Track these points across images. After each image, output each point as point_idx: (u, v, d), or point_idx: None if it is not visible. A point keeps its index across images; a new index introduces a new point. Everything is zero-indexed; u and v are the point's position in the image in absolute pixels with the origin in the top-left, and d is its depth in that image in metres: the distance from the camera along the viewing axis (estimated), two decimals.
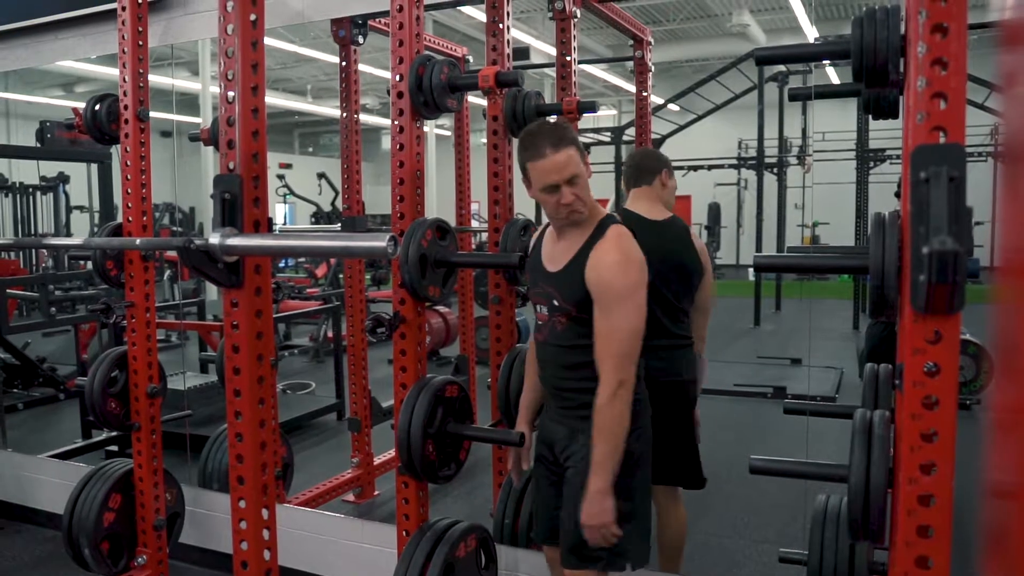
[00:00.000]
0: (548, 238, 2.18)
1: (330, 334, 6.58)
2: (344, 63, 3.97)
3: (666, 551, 2.85)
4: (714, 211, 12.05)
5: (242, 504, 2.17)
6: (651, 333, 2.10)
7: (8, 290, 5.91)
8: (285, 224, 13.15)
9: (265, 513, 2.21)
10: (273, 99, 12.88)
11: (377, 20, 3.89)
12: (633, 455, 2.04)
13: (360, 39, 3.94)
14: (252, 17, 2.08)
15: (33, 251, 9.02)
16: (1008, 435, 0.44)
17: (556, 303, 2.08)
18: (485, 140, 2.91)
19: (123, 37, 2.86)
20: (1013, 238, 0.44)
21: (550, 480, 2.24)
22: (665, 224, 2.79)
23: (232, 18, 2.05)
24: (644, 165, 2.91)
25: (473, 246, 5.89)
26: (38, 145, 6.47)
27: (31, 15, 3.61)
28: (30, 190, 8.98)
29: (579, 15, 3.08)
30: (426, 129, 2.41)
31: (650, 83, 4.07)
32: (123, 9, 2.85)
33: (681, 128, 9.86)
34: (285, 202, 11.62)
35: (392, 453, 4.08)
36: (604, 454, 1.95)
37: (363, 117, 4.17)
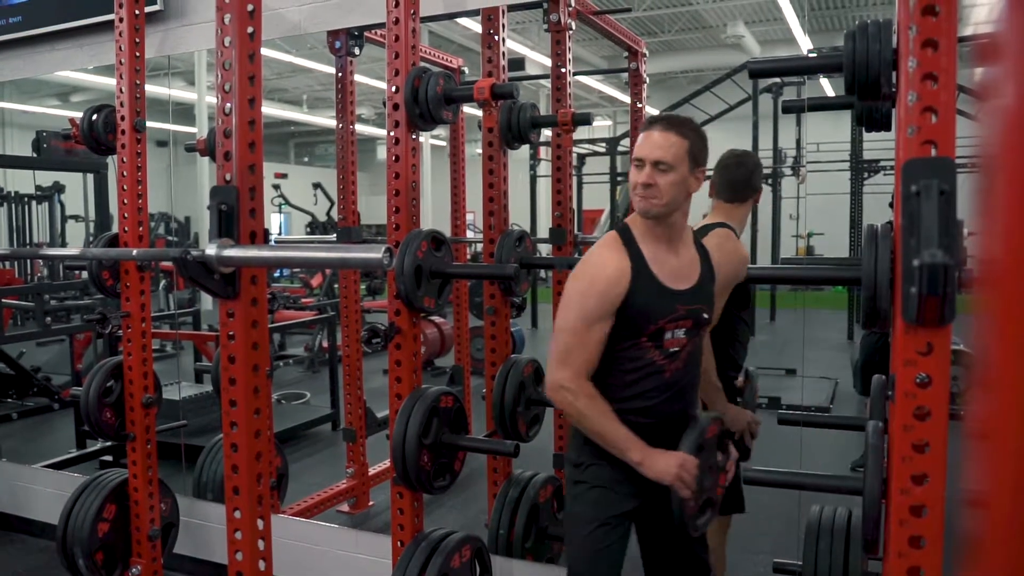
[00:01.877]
0: (653, 256, 1.94)
1: (325, 344, 6.58)
2: (340, 74, 3.98)
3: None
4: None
5: (237, 514, 2.17)
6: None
7: (3, 300, 5.90)
8: (280, 234, 13.16)
9: (260, 524, 2.20)
10: (269, 109, 12.91)
11: (373, 31, 3.91)
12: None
13: (356, 50, 3.96)
14: (249, 30, 2.09)
15: (28, 261, 9.01)
16: (984, 444, 0.45)
17: (706, 316, 2.01)
18: (480, 151, 2.93)
19: (120, 48, 2.87)
20: (987, 249, 0.45)
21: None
22: None
23: (229, 31, 2.07)
24: (754, 181, 2.69)
25: (468, 257, 5.90)
26: (34, 155, 6.47)
27: (29, 26, 3.62)
28: (26, 200, 8.97)
29: (574, 27, 3.10)
30: (421, 140, 2.42)
31: (645, 94, 4.09)
32: (121, 21, 2.86)
33: None
34: (280, 212, 11.63)
35: (387, 463, 4.07)
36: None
37: (359, 127, 4.18)
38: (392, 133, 2.31)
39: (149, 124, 2.93)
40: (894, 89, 1.38)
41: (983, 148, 0.47)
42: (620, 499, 1.94)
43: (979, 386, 0.46)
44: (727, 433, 1.99)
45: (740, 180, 2.64)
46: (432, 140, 14.19)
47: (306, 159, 20.26)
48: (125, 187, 2.90)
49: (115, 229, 3.01)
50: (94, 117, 2.98)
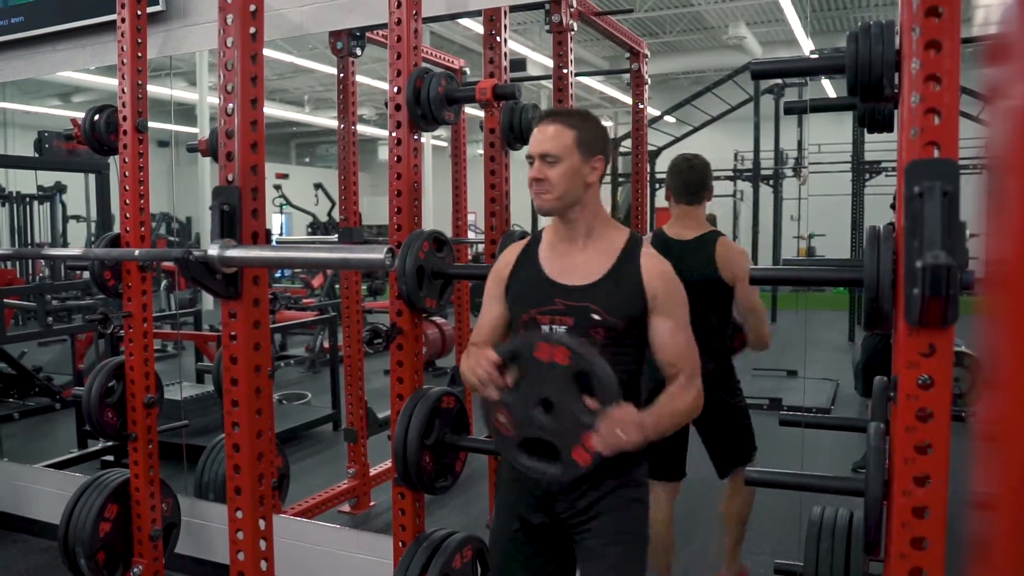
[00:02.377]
0: (549, 251, 1.91)
1: (326, 345, 6.58)
2: (342, 75, 3.99)
3: (731, 522, 3.12)
4: (710, 222, 12.05)
5: (239, 514, 2.17)
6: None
7: (5, 300, 5.90)
8: (281, 234, 13.16)
9: (262, 524, 2.21)
10: (270, 110, 12.88)
11: (375, 32, 3.91)
12: (643, 539, 1.90)
13: (358, 51, 3.96)
14: (252, 30, 2.10)
15: (30, 261, 9.02)
16: (992, 446, 0.45)
17: (597, 317, 1.80)
18: (482, 151, 2.93)
19: (123, 49, 2.87)
20: (996, 250, 0.45)
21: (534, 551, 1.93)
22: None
23: (232, 31, 2.07)
24: (706, 181, 2.95)
25: (469, 257, 5.90)
26: (36, 155, 6.47)
27: (30, 27, 3.62)
28: (27, 200, 8.98)
29: (576, 28, 3.10)
30: (423, 140, 2.42)
31: (646, 95, 4.09)
32: (123, 21, 2.86)
33: (677, 140, 9.90)
34: (281, 212, 11.64)
35: (388, 464, 4.08)
36: (655, 422, 1.73)
37: (360, 128, 4.19)
38: (394, 134, 2.31)
39: (150, 124, 2.93)
40: (896, 90, 1.37)
41: (991, 149, 0.47)
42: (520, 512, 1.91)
43: (987, 388, 0.46)
44: (607, 385, 1.67)
45: (695, 182, 2.92)
46: (433, 141, 14.20)
47: (307, 159, 20.27)
48: (127, 187, 2.90)
49: (117, 229, 3.01)
50: (96, 117, 2.99)
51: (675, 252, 2.59)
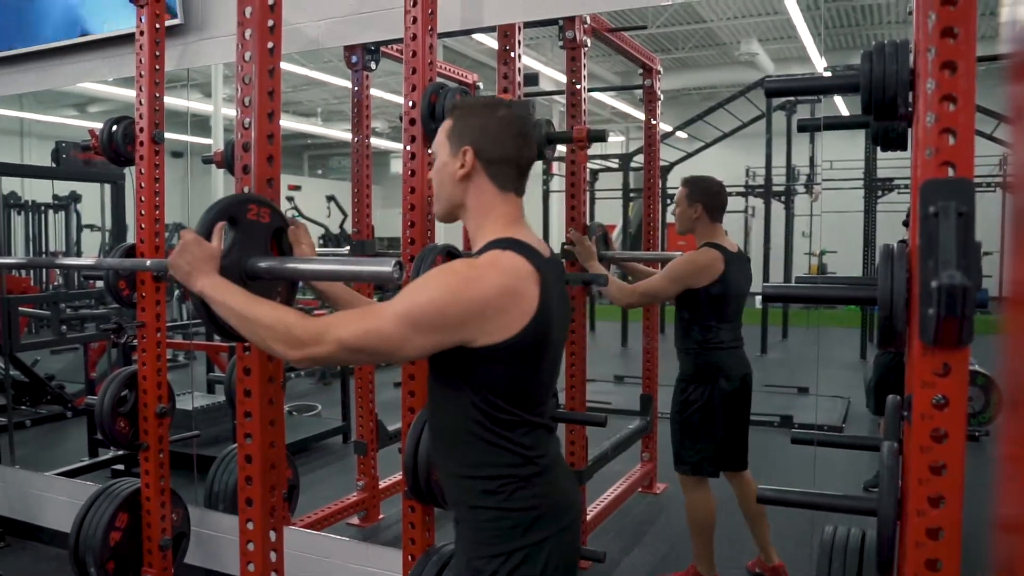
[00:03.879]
0: None
1: None
2: (356, 88, 4.01)
3: (751, 517, 3.33)
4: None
5: (250, 525, 2.18)
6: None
7: (19, 308, 5.93)
8: None
9: (273, 535, 2.21)
10: (284, 122, 12.96)
11: (390, 46, 3.94)
12: None
13: (372, 65, 3.99)
14: (269, 45, 2.12)
15: (44, 269, 9.08)
16: (1016, 468, 0.45)
17: None
18: None
19: (140, 61, 2.90)
20: (1018, 270, 0.45)
21: None
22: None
23: (250, 46, 2.09)
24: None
25: None
26: (53, 165, 6.53)
27: (51, 38, 3.67)
28: (42, 208, 9.05)
29: (589, 43, 3.12)
30: None
31: (659, 111, 4.10)
32: (141, 34, 2.89)
33: (689, 155, 9.90)
34: None
35: (398, 477, 4.08)
36: (238, 298, 1.59)
37: (373, 141, 4.20)
38: (408, 148, 2.33)
39: (166, 135, 2.96)
40: (911, 109, 1.38)
41: (1014, 168, 0.47)
42: None
43: (1010, 408, 0.46)
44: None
45: (725, 202, 3.28)
46: None
47: (320, 171, 20.35)
48: (143, 198, 2.93)
49: (131, 239, 3.03)
50: (114, 128, 3.01)
51: (741, 262, 3.20)
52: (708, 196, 3.18)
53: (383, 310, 1.43)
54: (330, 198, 10.83)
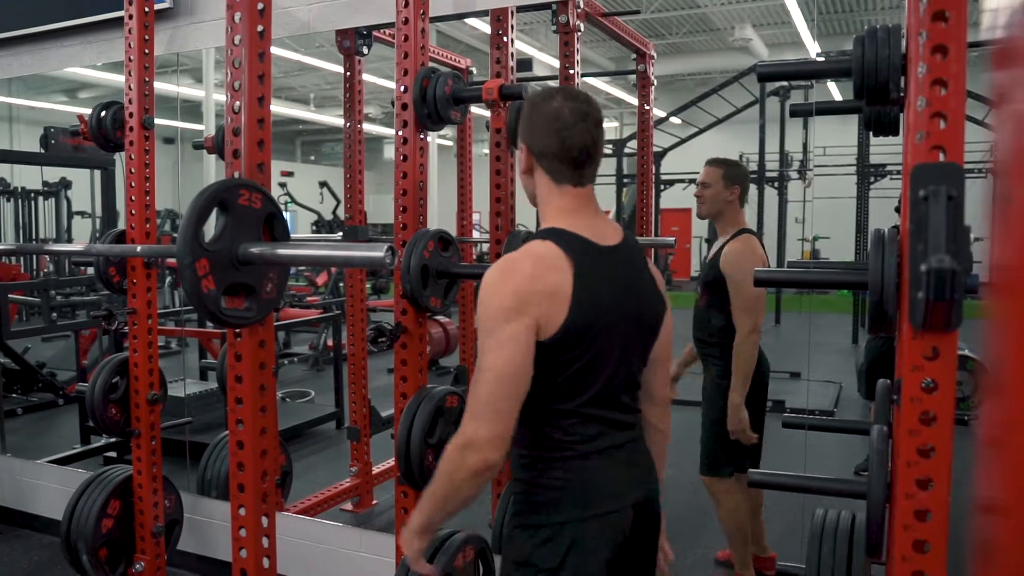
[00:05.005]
0: None
1: (330, 343, 6.59)
2: (348, 73, 3.99)
3: (752, 511, 3.14)
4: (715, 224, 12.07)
5: (242, 511, 2.18)
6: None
7: (9, 295, 5.91)
8: None
9: (265, 521, 2.21)
10: (276, 107, 12.91)
11: (382, 31, 3.91)
12: (526, 563, 1.56)
13: (364, 50, 3.97)
14: (259, 28, 2.10)
15: (34, 256, 9.04)
16: (998, 451, 0.45)
17: None
18: (488, 151, 2.93)
19: (130, 45, 2.88)
20: (1003, 255, 0.45)
21: None
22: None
23: (240, 29, 2.07)
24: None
25: (475, 257, 5.90)
26: (42, 151, 6.49)
27: (37, 22, 3.64)
28: (32, 195, 9.00)
29: (583, 28, 3.10)
30: (429, 139, 2.42)
31: (652, 96, 4.09)
32: (130, 18, 2.87)
33: (683, 141, 9.90)
34: (287, 210, 11.65)
35: (391, 463, 4.09)
36: (425, 496, 1.62)
37: (366, 126, 4.19)
38: (400, 133, 2.32)
39: (156, 121, 2.94)
40: (902, 94, 1.38)
41: (999, 153, 0.47)
42: None
43: (993, 392, 0.46)
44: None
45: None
46: (439, 140, 14.21)
47: (312, 157, 20.28)
48: (133, 184, 2.91)
49: (122, 226, 3.01)
50: (103, 114, 2.99)
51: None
52: (744, 180, 3.07)
53: (478, 367, 1.47)
54: (323, 184, 10.79)
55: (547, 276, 1.47)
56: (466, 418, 1.48)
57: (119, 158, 3.02)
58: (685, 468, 3.44)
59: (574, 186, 1.60)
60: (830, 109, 2.23)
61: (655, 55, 4.12)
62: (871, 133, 1.93)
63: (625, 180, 10.29)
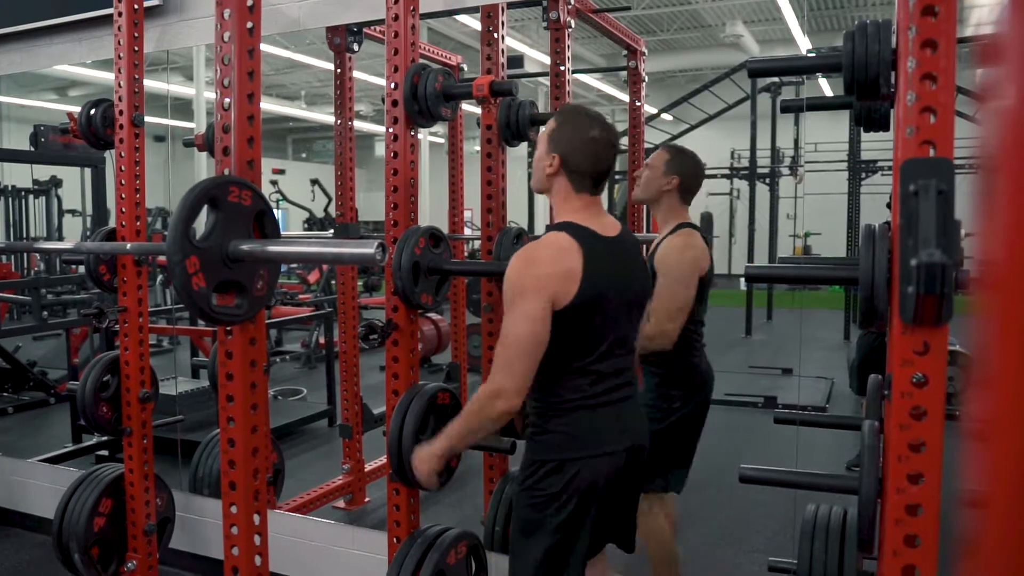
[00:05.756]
0: None
1: (322, 340, 6.58)
2: (339, 70, 3.98)
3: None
4: (706, 220, 12.05)
5: (233, 509, 2.17)
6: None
7: (0, 293, 5.89)
8: None
9: (256, 519, 2.20)
10: (267, 105, 12.86)
11: (372, 28, 3.91)
12: (538, 490, 1.93)
13: (355, 46, 3.95)
14: (249, 25, 2.09)
15: (25, 254, 8.99)
16: (984, 445, 0.45)
17: None
18: (479, 148, 2.92)
19: (119, 43, 2.86)
20: (988, 250, 0.45)
21: None
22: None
23: (229, 25, 2.06)
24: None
25: (466, 254, 5.89)
26: (32, 149, 6.46)
27: (26, 19, 3.61)
28: (22, 193, 8.95)
29: (573, 25, 3.10)
30: (420, 136, 2.42)
31: (643, 93, 4.09)
32: (119, 15, 2.85)
33: (674, 138, 9.88)
34: (278, 208, 11.62)
35: (383, 460, 4.08)
36: (454, 427, 1.97)
37: (357, 124, 4.18)
38: (391, 129, 2.31)
39: (147, 119, 2.93)
40: (893, 89, 1.38)
41: (984, 149, 0.47)
42: None
43: (979, 386, 0.46)
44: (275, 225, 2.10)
45: (699, 188, 2.82)
46: (431, 138, 14.19)
47: (304, 155, 20.22)
48: (123, 182, 2.90)
49: (112, 224, 3.00)
50: (92, 111, 2.97)
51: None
52: (689, 173, 2.71)
53: (502, 331, 1.86)
54: (314, 182, 10.77)
55: (563, 260, 1.84)
56: (495, 371, 1.84)
57: (109, 156, 3.00)
58: None
59: (590, 195, 1.97)
60: (821, 105, 2.24)
61: (646, 51, 4.12)
62: (862, 129, 1.93)
63: (617, 177, 10.28)
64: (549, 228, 1.97)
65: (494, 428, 1.93)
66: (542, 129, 2.01)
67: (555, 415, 1.91)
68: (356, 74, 4.07)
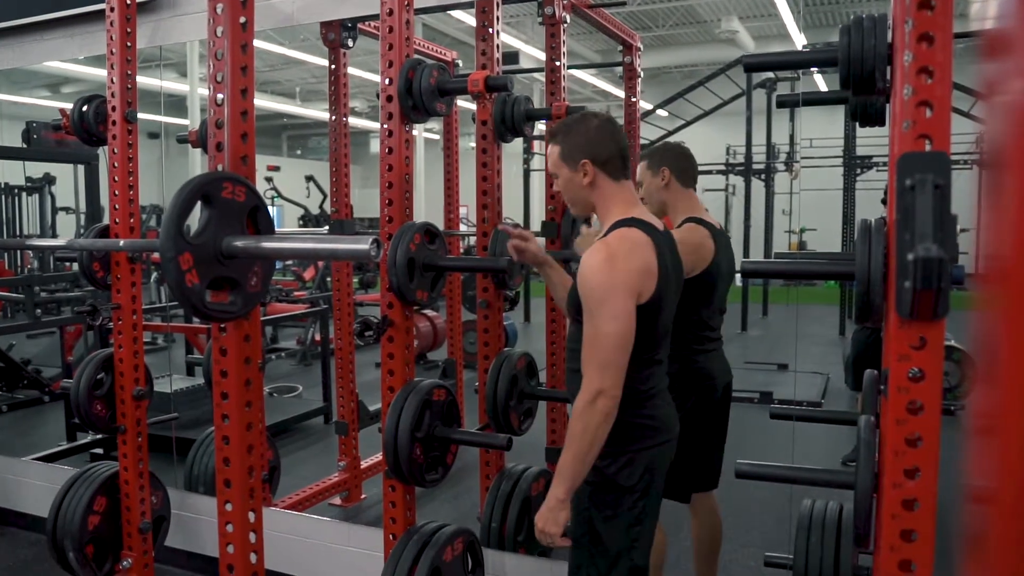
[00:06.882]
0: None
1: (317, 337, 6.57)
2: (333, 66, 3.97)
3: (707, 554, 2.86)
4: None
5: (228, 507, 2.17)
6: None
7: None
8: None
9: (251, 516, 2.20)
10: (261, 101, 12.83)
11: (366, 23, 3.89)
12: (611, 484, 1.92)
13: (349, 42, 3.94)
14: (242, 20, 2.08)
15: (18, 252, 8.97)
16: (986, 440, 0.45)
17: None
18: (474, 144, 2.92)
19: (111, 38, 2.84)
20: (993, 245, 0.45)
21: None
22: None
23: (222, 21, 2.05)
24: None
25: (461, 250, 5.89)
26: (24, 146, 6.43)
27: (18, 15, 3.59)
28: (16, 191, 8.92)
29: (569, 20, 3.09)
30: (415, 132, 2.41)
31: (639, 88, 4.08)
32: (112, 10, 2.84)
33: (670, 134, 9.89)
34: (273, 204, 11.59)
35: (379, 457, 4.07)
36: (566, 462, 1.83)
37: (352, 120, 4.17)
38: (385, 125, 2.30)
39: (140, 116, 2.91)
40: (889, 84, 1.37)
41: (989, 144, 0.46)
42: None
43: (983, 381, 0.46)
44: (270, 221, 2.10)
45: (695, 166, 2.74)
46: (426, 134, 14.17)
47: (299, 152, 20.19)
48: (116, 179, 2.88)
49: (106, 221, 2.99)
50: (85, 108, 2.96)
51: (726, 241, 2.71)
52: (672, 157, 2.63)
53: (589, 332, 1.84)
54: (309, 178, 10.75)
55: (641, 256, 1.86)
56: (592, 374, 1.81)
57: (103, 153, 2.98)
58: None
59: (626, 179, 1.98)
60: (817, 100, 2.23)
61: (641, 47, 4.11)
62: (858, 124, 1.93)
63: None
64: (615, 226, 1.92)
65: (605, 434, 1.82)
66: (551, 159, 2.00)
67: (627, 407, 1.85)
68: (351, 70, 4.06)
